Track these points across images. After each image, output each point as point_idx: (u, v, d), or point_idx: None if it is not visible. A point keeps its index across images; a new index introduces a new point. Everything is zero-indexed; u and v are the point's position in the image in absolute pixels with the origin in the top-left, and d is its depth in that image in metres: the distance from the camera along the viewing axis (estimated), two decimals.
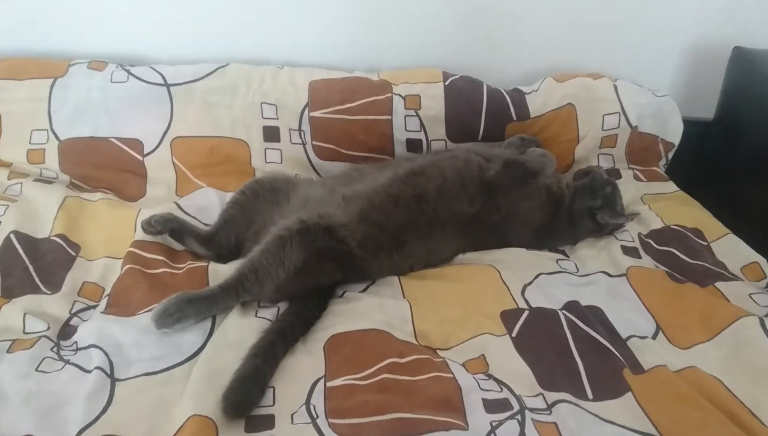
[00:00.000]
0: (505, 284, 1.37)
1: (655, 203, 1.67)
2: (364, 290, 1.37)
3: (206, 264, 1.38)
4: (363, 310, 1.27)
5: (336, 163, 1.74)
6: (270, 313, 1.26)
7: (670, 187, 1.75)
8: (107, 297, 1.28)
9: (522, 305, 1.30)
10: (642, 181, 1.76)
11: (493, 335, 1.23)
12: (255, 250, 1.28)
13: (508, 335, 1.22)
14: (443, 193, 1.44)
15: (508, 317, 1.27)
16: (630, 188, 1.72)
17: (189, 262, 1.40)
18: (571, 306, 1.30)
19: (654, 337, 1.25)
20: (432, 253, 1.45)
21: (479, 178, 1.49)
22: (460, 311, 1.29)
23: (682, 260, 1.47)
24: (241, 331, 1.19)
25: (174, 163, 1.70)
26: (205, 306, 1.20)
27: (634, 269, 1.42)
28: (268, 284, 1.25)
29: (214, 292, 1.22)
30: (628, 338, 1.24)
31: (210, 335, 1.19)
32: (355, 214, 1.37)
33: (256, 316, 1.24)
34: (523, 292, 1.35)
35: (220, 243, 1.45)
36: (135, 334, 1.16)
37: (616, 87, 1.78)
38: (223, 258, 1.44)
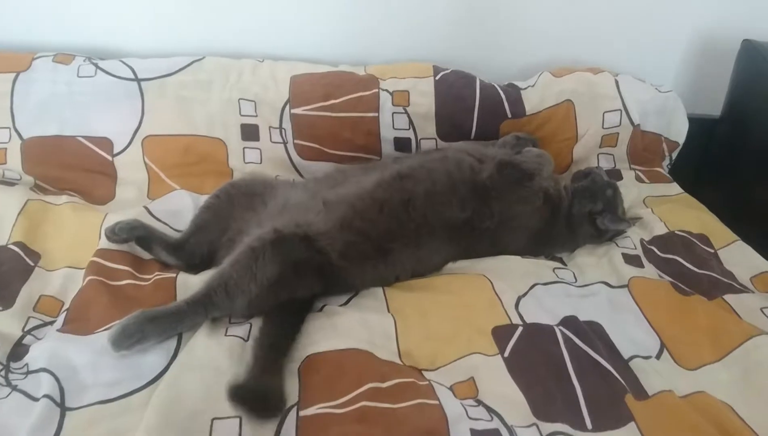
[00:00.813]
0: (497, 295, 1.28)
1: (658, 207, 1.58)
2: (345, 303, 1.28)
3: (175, 275, 1.28)
4: (343, 326, 1.17)
5: (319, 163, 1.65)
6: (242, 330, 1.16)
7: (674, 189, 1.66)
8: (65, 312, 1.18)
9: (516, 320, 1.21)
10: (644, 182, 1.67)
11: (484, 354, 1.13)
12: (225, 262, 1.18)
13: (500, 355, 1.13)
14: (432, 198, 1.35)
15: (501, 334, 1.17)
16: (632, 190, 1.62)
17: (156, 273, 1.30)
18: (569, 322, 1.21)
19: (658, 356, 1.16)
20: (420, 262, 1.35)
21: (471, 181, 1.39)
22: (448, 327, 1.20)
23: (687, 269, 1.37)
24: (209, 351, 1.09)
25: (146, 163, 1.60)
26: (169, 324, 1.10)
27: (636, 279, 1.33)
28: (240, 298, 1.15)
29: (179, 308, 1.12)
30: (631, 358, 1.14)
31: (174, 356, 1.09)
32: (337, 221, 1.27)
33: (226, 334, 1.14)
34: (517, 305, 1.26)
35: (191, 252, 1.35)
36: (91, 355, 1.06)
37: (617, 82, 1.68)
38: (195, 268, 1.34)
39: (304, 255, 1.21)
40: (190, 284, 1.25)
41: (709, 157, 1.79)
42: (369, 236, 1.29)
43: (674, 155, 1.74)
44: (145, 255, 1.35)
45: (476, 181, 1.39)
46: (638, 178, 1.67)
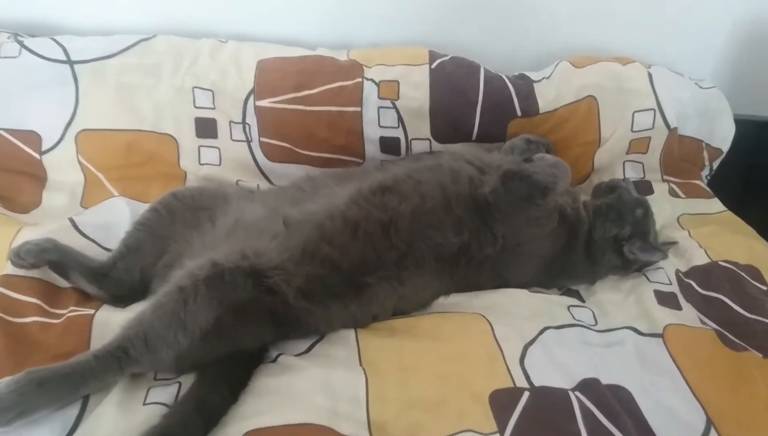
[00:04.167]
0: (498, 344, 1.04)
1: (696, 228, 1.32)
2: (307, 351, 1.03)
3: (93, 312, 1.03)
4: (299, 388, 0.93)
5: (290, 165, 1.40)
6: (168, 394, 0.92)
7: (716, 205, 1.40)
8: None
9: (520, 381, 0.97)
10: (679, 197, 1.42)
11: (478, 434, 0.87)
12: (147, 304, 0.93)
13: (499, 435, 0.86)
14: (420, 219, 1.10)
15: (501, 402, 0.93)
16: (664, 207, 1.37)
17: (72, 307, 1.06)
18: (589, 387, 0.96)
19: None
20: (403, 299, 1.11)
21: (470, 197, 1.15)
22: (435, 389, 0.96)
23: (735, 312, 1.12)
24: (119, 425, 0.85)
25: (81, 163, 1.36)
26: (67, 388, 0.86)
27: (673, 328, 1.08)
28: (165, 352, 0.91)
29: (84, 365, 0.88)
30: None
31: (74, 429, 0.84)
32: (298, 248, 1.02)
33: (145, 402, 0.90)
34: (522, 358, 1.02)
35: (117, 280, 1.10)
36: None
37: (650, 75, 1.41)
38: (123, 300, 1.10)
39: (250, 296, 0.96)
40: (111, 325, 1.00)
41: (757, 167, 1.52)
42: (338, 268, 1.04)
43: (716, 165, 1.47)
44: (63, 282, 1.10)
45: (476, 196, 1.15)
46: (672, 193, 1.41)
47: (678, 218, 1.36)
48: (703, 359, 1.02)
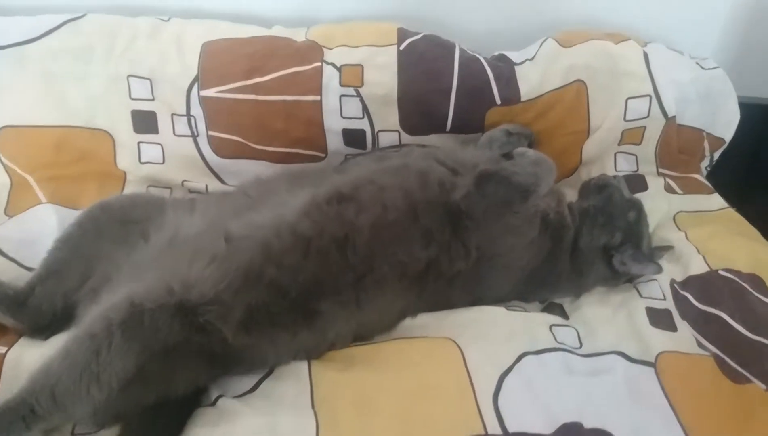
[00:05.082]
0: (469, 375, 0.91)
1: (694, 229, 1.19)
2: (252, 390, 0.91)
3: (5, 350, 0.90)
4: None
5: (243, 161, 1.26)
6: None
7: (716, 201, 1.26)
8: None
9: (492, 425, 0.84)
10: (676, 193, 1.27)
11: None
12: (56, 350, 0.79)
13: None
14: (382, 233, 0.96)
15: None
16: (659, 205, 1.23)
17: None
18: (570, 431, 0.84)
19: None
20: (363, 325, 0.98)
21: (440, 204, 1.01)
22: (396, 431, 0.83)
23: (737, 334, 0.99)
24: None
25: (4, 164, 1.21)
26: None
27: (667, 356, 0.95)
28: (77, 407, 0.78)
29: None
30: None
31: None
32: (238, 273, 0.88)
33: None
34: (497, 393, 0.89)
35: (37, 308, 0.96)
36: None
37: (646, 55, 1.26)
38: (44, 331, 0.97)
39: (179, 338, 0.82)
40: (24, 365, 0.86)
41: (762, 155, 1.37)
42: (286, 294, 0.90)
43: (717, 155, 1.32)
44: None
45: (447, 203, 1.02)
46: (668, 188, 1.27)
47: (674, 217, 1.22)
48: (700, 393, 0.90)
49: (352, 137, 1.24)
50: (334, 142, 1.24)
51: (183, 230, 0.99)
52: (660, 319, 1.02)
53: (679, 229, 1.19)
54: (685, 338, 0.99)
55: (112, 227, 1.01)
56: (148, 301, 0.80)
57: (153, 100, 1.20)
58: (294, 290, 0.90)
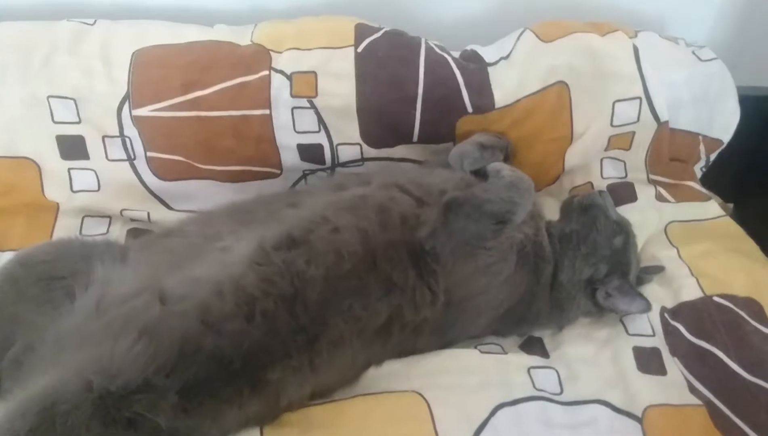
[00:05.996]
0: None
1: (687, 246, 1.09)
2: None
3: None
4: None
5: (189, 182, 1.15)
6: None
7: (711, 209, 1.16)
8: None
9: None
10: (668, 202, 1.16)
11: None
12: None
13: None
14: (335, 286, 0.85)
15: None
16: (651, 217, 1.13)
17: None
18: None
19: None
20: (320, 386, 0.88)
21: (402, 244, 0.90)
22: None
23: (732, 373, 0.92)
24: None
25: None
26: None
27: (655, 410, 0.87)
28: None
29: None
30: None
31: None
32: (173, 348, 0.78)
33: None
34: None
35: None
36: None
37: (636, 50, 1.11)
38: None
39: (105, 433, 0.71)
40: None
41: (762, 150, 1.25)
42: (229, 365, 0.80)
43: (713, 157, 1.20)
44: None
45: (411, 243, 0.91)
46: (659, 197, 1.15)
47: (666, 228, 1.12)
48: None
49: (309, 153, 1.12)
50: (290, 158, 1.12)
51: (112, 288, 0.87)
52: (648, 362, 0.93)
53: (671, 244, 1.09)
54: (675, 382, 0.91)
55: (33, 287, 0.88)
56: (62, 401, 0.70)
57: (79, 123, 1.07)
58: (238, 359, 0.80)
